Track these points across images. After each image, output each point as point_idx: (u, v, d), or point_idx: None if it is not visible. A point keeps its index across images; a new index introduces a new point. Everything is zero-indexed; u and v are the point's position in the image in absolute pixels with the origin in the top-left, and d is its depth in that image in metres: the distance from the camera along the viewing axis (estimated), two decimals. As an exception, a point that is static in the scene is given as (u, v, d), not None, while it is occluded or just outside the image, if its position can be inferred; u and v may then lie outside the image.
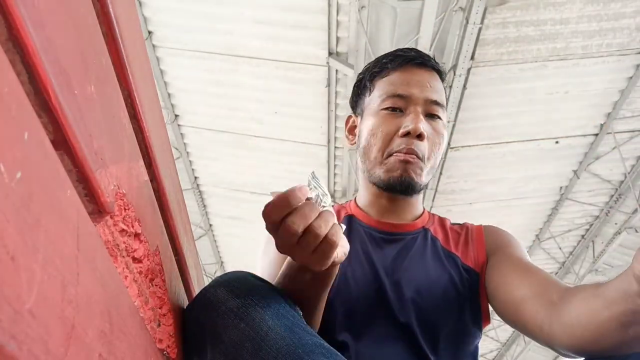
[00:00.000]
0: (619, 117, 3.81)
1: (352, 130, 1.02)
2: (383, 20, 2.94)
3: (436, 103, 0.91)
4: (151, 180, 0.52)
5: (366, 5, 2.88)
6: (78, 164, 0.31)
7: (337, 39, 3.30)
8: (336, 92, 3.62)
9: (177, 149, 4.25)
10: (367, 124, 0.94)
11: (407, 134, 0.87)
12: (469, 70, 3.30)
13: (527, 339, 6.37)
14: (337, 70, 3.45)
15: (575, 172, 4.32)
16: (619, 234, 4.75)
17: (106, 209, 0.35)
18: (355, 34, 3.12)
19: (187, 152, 4.44)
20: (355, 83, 1.04)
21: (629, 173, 4.25)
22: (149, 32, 3.44)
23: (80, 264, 0.27)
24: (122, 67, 0.43)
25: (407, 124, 0.87)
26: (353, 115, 1.03)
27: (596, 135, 3.98)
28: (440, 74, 0.97)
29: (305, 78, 3.56)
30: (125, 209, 0.40)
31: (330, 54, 3.36)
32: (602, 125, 3.90)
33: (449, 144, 3.87)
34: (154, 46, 3.52)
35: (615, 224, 4.80)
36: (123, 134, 0.42)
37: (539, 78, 3.47)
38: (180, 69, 3.69)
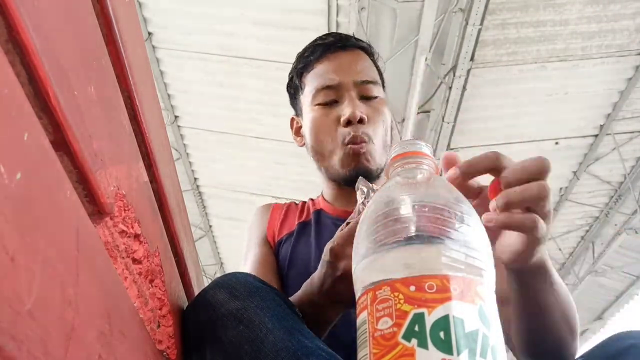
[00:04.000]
0: (618, 118, 3.81)
1: (297, 131, 1.02)
2: (383, 21, 2.94)
3: (367, 82, 0.90)
4: (151, 182, 0.52)
5: (366, 7, 2.89)
6: (78, 165, 0.31)
7: (337, 40, 3.30)
8: (336, 94, 3.62)
9: (177, 150, 4.25)
10: (306, 123, 0.93)
11: (348, 123, 0.85)
12: (468, 71, 3.30)
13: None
14: (337, 72, 3.44)
15: (575, 173, 4.32)
16: (619, 235, 4.75)
17: (106, 210, 0.35)
18: (355, 35, 3.12)
19: (187, 153, 4.44)
20: (287, 84, 1.03)
21: (628, 174, 4.25)
22: (149, 33, 3.45)
23: (80, 265, 0.27)
24: (122, 68, 0.43)
25: (345, 111, 0.86)
26: (295, 116, 1.03)
27: (596, 136, 3.98)
28: (366, 51, 0.95)
29: (305, 79, 3.56)
30: (125, 210, 0.40)
31: (330, 55, 3.36)
32: (601, 126, 3.90)
33: (448, 144, 3.87)
34: (153, 47, 3.52)
35: (615, 225, 4.79)
36: (123, 135, 0.42)
37: (539, 79, 3.47)
38: (180, 70, 3.69)
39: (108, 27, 0.40)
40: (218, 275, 5.03)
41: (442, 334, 0.38)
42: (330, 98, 0.89)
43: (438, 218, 0.44)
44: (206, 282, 0.70)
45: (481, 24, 3.02)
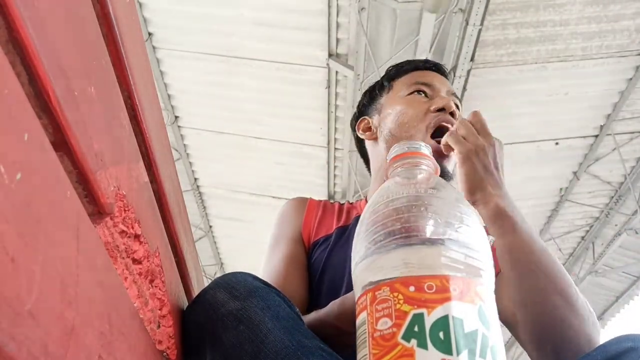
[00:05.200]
0: (618, 118, 3.81)
1: (367, 129, 1.03)
2: (383, 21, 2.94)
3: (456, 96, 0.98)
4: (151, 182, 0.52)
5: (366, 7, 2.89)
6: (78, 165, 0.31)
7: (337, 40, 3.30)
8: (336, 94, 3.62)
9: (177, 150, 4.25)
10: (394, 110, 0.96)
11: (440, 110, 0.90)
12: (468, 71, 3.30)
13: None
14: (337, 72, 3.45)
15: (575, 173, 4.32)
16: (619, 235, 4.74)
17: (106, 210, 0.35)
18: (355, 36, 3.12)
19: (187, 154, 4.44)
20: (369, 89, 1.08)
21: (628, 174, 4.24)
22: (149, 34, 3.45)
23: (80, 265, 0.27)
24: (122, 68, 0.43)
25: (439, 101, 0.91)
26: (366, 117, 1.04)
27: (596, 136, 3.98)
28: (451, 83, 1.04)
29: (305, 79, 3.56)
30: (125, 210, 0.40)
31: (330, 55, 3.37)
32: (601, 126, 3.90)
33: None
34: (154, 47, 3.52)
35: (615, 225, 4.79)
36: (123, 135, 0.42)
37: (539, 79, 3.47)
38: (180, 71, 3.69)
39: (108, 27, 0.40)
40: (218, 275, 5.02)
41: (441, 334, 0.38)
42: (425, 91, 0.95)
43: (437, 218, 0.44)
44: (206, 282, 0.69)
45: (481, 24, 3.02)
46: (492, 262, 0.46)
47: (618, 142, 3.96)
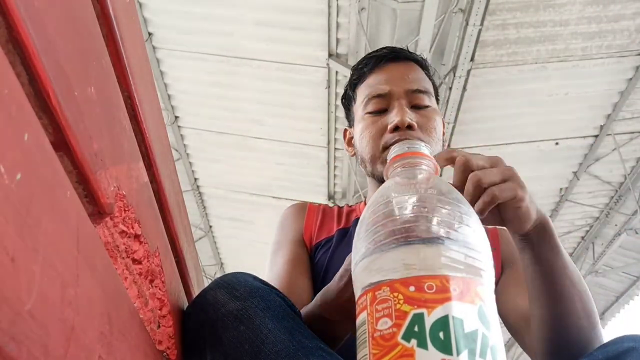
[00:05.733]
0: (618, 118, 3.81)
1: (349, 142, 1.01)
2: (383, 21, 2.94)
3: (419, 91, 0.88)
4: (151, 182, 0.52)
5: (366, 7, 2.89)
6: (78, 165, 0.31)
7: (337, 40, 3.30)
8: (336, 94, 3.62)
9: (177, 150, 4.25)
10: (357, 132, 0.92)
11: (396, 128, 0.83)
12: (468, 71, 3.30)
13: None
14: (337, 72, 3.45)
15: (575, 173, 4.32)
16: (619, 235, 4.74)
17: (106, 210, 0.35)
18: (355, 36, 3.12)
19: (187, 154, 4.44)
20: (342, 96, 1.03)
21: (628, 174, 4.24)
22: (149, 34, 3.45)
23: (80, 265, 0.27)
24: (122, 68, 0.43)
25: (393, 118, 0.84)
26: (348, 127, 1.03)
27: (596, 136, 3.98)
28: (420, 64, 0.94)
29: (305, 79, 3.56)
30: (125, 210, 0.40)
31: (330, 55, 3.37)
32: (601, 126, 3.90)
33: (448, 145, 3.87)
34: (154, 47, 3.52)
35: (615, 225, 4.79)
36: (123, 135, 0.42)
37: (539, 80, 3.47)
38: (180, 71, 3.69)
39: (108, 27, 0.40)
40: (218, 275, 5.03)
41: (441, 335, 0.38)
42: (380, 107, 0.88)
43: (437, 218, 0.44)
44: (206, 283, 0.69)
45: (481, 24, 3.02)
46: (492, 262, 0.46)
47: (618, 142, 3.96)
